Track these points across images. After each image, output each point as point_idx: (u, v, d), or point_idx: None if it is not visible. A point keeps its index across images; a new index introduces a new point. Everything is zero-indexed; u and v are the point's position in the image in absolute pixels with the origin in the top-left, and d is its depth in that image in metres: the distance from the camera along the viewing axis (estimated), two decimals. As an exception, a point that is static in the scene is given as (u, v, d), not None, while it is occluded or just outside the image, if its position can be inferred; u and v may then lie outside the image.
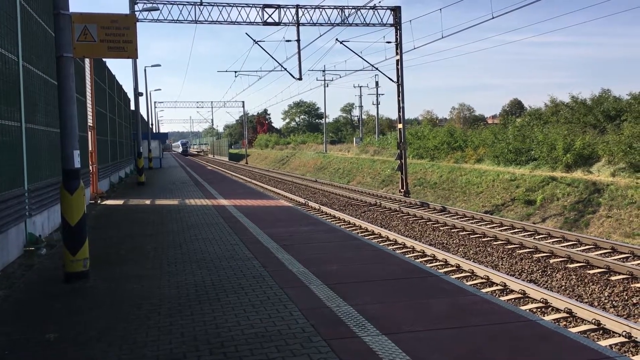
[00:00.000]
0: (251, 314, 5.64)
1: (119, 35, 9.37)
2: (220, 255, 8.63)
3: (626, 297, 10.27)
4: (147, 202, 17.63)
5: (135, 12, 24.27)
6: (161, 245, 9.68)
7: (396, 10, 27.43)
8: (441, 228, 18.16)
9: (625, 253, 13.57)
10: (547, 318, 8.96)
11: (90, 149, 18.38)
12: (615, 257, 13.26)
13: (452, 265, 12.56)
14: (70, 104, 7.35)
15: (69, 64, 7.37)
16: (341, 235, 10.23)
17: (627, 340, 7.99)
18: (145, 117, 51.54)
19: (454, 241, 15.96)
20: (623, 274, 11.56)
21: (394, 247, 14.92)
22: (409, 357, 4.41)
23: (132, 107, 34.65)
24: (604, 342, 7.98)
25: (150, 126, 53.99)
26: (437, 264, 12.92)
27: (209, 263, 8.12)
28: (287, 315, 5.58)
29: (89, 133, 18.45)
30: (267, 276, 7.21)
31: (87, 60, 18.24)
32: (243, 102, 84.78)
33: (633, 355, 7.68)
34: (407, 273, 7.21)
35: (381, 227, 18.46)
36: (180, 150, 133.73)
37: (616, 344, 7.96)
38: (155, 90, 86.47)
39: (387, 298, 6.08)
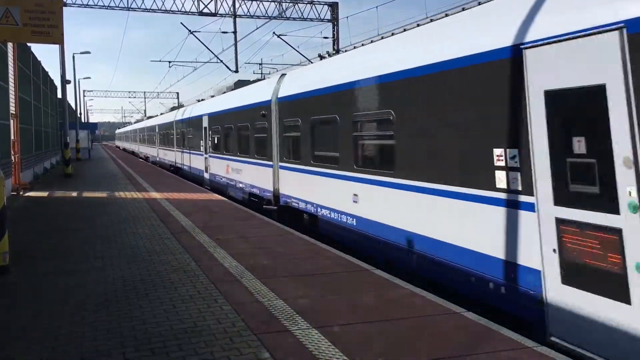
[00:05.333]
0: (180, 309, 5.55)
1: (43, 19, 8.95)
2: (151, 250, 8.44)
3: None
4: (74, 194, 16.99)
5: (64, -4, 23.28)
6: (88, 240, 9.36)
7: (333, 6, 27.61)
8: (374, 223, 18.40)
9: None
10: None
11: (12, 138, 17.50)
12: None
13: (383, 259, 12.71)
14: (-10, 90, 6.98)
15: (-11, 48, 6.99)
16: (275, 230, 10.21)
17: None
18: (73, 106, 49.59)
19: (386, 236, 16.23)
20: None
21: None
22: (337, 349, 4.47)
23: (60, 96, 33.28)
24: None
25: (79, 115, 52.01)
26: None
27: (139, 258, 7.92)
28: (217, 310, 5.52)
29: (12, 121, 17.57)
30: (198, 271, 7.11)
31: (10, 45, 17.34)
32: (178, 93, 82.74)
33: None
34: (340, 267, 7.29)
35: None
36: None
37: (535, 334, 8.30)
38: (84, 78, 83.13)
39: (319, 292, 6.13)
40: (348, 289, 6.26)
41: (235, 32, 27.71)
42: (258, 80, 17.77)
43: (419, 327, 4.99)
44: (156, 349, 4.53)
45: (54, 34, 9.15)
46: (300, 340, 4.68)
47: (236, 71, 28.90)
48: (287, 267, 7.28)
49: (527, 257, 5.45)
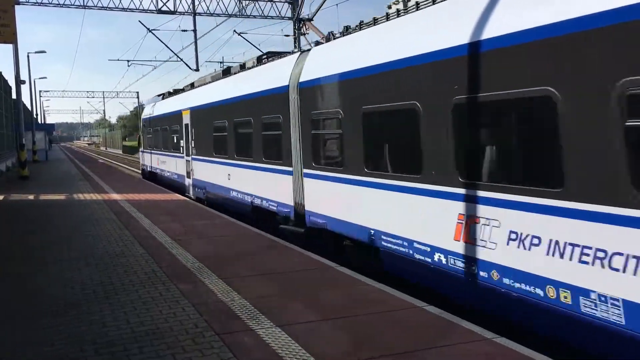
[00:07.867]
0: (142, 312, 5.47)
1: (-6, 18, 8.69)
2: (111, 252, 8.29)
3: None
4: (31, 197, 16.56)
5: (16, -6, 22.60)
6: (46, 243, 9.14)
7: (294, 4, 27.55)
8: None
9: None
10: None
11: (-36, 140, 16.94)
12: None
13: (347, 256, 12.78)
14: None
15: (-64, 48, 6.75)
16: (238, 229, 10.16)
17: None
18: (29, 107, 48.26)
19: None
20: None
21: (292, 239, 14.99)
22: (302, 347, 4.47)
23: (14, 96, 32.31)
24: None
25: (35, 116, 50.69)
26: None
27: (98, 260, 7.77)
28: (179, 311, 5.47)
29: (-37, 123, 16.99)
30: (159, 272, 7.02)
31: (-41, 44, 16.75)
32: (137, 92, 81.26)
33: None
34: (305, 266, 7.30)
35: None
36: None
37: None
38: (40, 78, 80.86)
39: (284, 291, 6.12)
40: (314, 287, 6.28)
41: (195, 30, 27.43)
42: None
43: (382, 323, 5.04)
44: (117, 352, 4.45)
45: (5, 33, 8.90)
46: (264, 339, 4.68)
47: (197, 69, 28.57)
48: (252, 266, 7.25)
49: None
